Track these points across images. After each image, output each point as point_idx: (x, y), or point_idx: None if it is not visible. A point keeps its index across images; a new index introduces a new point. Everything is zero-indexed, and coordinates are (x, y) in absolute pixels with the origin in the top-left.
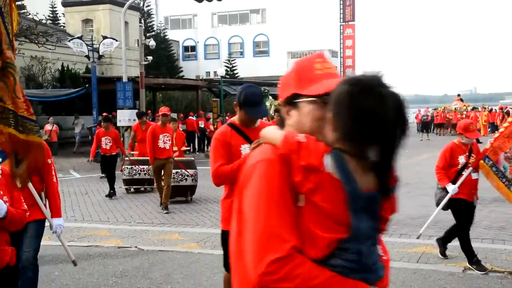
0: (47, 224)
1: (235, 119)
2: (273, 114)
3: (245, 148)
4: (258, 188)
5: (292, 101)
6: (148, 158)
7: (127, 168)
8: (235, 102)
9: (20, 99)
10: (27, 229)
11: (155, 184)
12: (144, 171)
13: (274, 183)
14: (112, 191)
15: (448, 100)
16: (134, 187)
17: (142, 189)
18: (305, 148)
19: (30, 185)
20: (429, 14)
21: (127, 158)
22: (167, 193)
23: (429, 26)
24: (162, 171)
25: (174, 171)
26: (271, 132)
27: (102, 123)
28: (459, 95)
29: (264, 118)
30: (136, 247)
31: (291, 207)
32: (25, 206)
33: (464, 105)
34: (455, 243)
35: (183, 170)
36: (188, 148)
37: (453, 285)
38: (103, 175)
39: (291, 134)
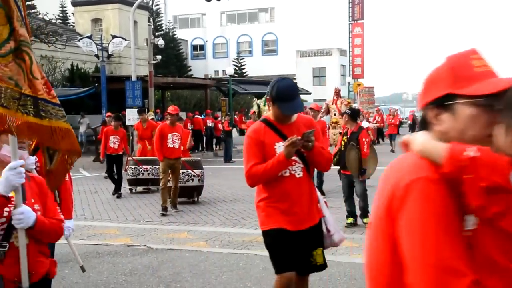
0: None
1: (269, 114)
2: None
3: (279, 146)
4: (422, 213)
5: (444, 103)
6: (152, 157)
7: (130, 168)
8: (267, 97)
9: (39, 80)
10: None
11: (160, 184)
12: (147, 171)
13: (440, 207)
14: (120, 192)
15: None
16: (138, 187)
17: (143, 189)
18: (483, 164)
19: None
20: (438, 12)
21: (130, 158)
22: (175, 193)
23: (439, 23)
24: (170, 171)
25: (180, 171)
26: (430, 145)
27: (113, 122)
28: None
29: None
30: (145, 245)
31: (461, 235)
32: (61, 215)
33: None
34: None
35: (189, 170)
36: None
37: None
38: (107, 174)
39: (458, 148)
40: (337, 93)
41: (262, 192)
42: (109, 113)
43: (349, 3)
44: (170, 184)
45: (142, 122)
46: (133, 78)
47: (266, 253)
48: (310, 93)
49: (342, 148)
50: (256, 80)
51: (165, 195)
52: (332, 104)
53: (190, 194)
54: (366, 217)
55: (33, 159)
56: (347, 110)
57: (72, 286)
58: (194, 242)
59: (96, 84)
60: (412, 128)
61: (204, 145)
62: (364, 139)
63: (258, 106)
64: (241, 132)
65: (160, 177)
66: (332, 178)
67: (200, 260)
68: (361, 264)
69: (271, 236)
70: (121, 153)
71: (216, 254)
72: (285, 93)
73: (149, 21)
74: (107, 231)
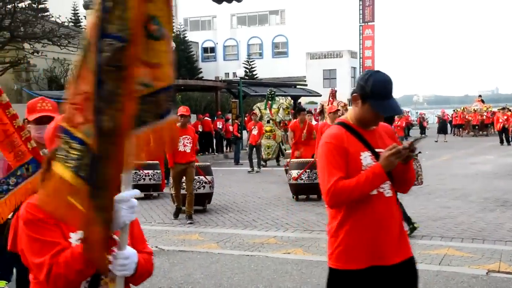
0: None
1: (347, 117)
2: (286, 118)
3: (365, 157)
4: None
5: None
6: (153, 162)
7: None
8: (354, 94)
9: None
10: None
11: (172, 191)
12: (149, 176)
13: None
14: None
15: (469, 101)
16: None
17: (144, 195)
18: None
19: None
20: (449, 14)
21: None
22: (190, 201)
23: (450, 25)
24: (183, 177)
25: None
26: None
27: None
28: (480, 96)
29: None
30: (156, 247)
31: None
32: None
33: (485, 106)
34: (478, 245)
35: (201, 177)
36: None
37: None
38: None
39: None
40: (333, 94)
41: (342, 216)
42: None
43: (359, 5)
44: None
45: None
46: None
47: (277, 255)
48: (320, 95)
49: None
50: (267, 82)
51: (179, 198)
52: (328, 105)
53: (201, 202)
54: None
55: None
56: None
57: None
58: (205, 244)
59: None
60: (422, 130)
61: (214, 147)
62: None
63: (259, 110)
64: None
65: (171, 186)
66: None
67: (211, 262)
68: None
69: (354, 278)
70: None
71: (228, 256)
72: (384, 88)
73: None
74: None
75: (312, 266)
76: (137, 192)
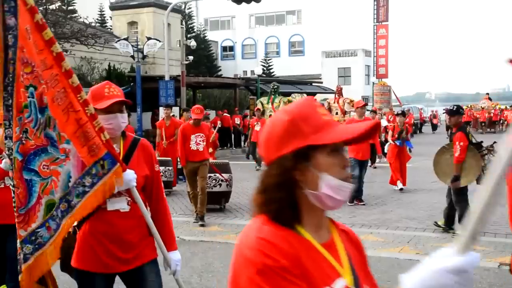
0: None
1: None
2: None
3: None
4: None
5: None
6: (164, 158)
7: None
8: None
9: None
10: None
11: (189, 190)
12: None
13: None
14: None
15: (480, 99)
16: None
17: None
18: None
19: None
20: (461, 13)
21: None
22: (203, 200)
23: (461, 24)
24: (196, 174)
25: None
26: None
27: None
28: (487, 93)
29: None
30: (178, 237)
31: None
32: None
33: (493, 104)
34: (490, 239)
35: (217, 175)
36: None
37: (489, 280)
38: None
39: None
40: (339, 92)
41: None
42: None
43: (374, 5)
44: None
45: (166, 120)
46: (166, 78)
47: None
48: (335, 92)
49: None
50: (283, 80)
51: (196, 197)
52: (334, 102)
53: (217, 201)
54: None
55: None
56: (453, 107)
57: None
58: (224, 235)
59: (132, 84)
60: (434, 127)
61: (233, 142)
62: (457, 143)
63: (262, 105)
64: None
65: (188, 187)
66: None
67: (230, 252)
68: (387, 258)
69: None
70: None
71: None
72: None
73: (181, 24)
74: None
75: None
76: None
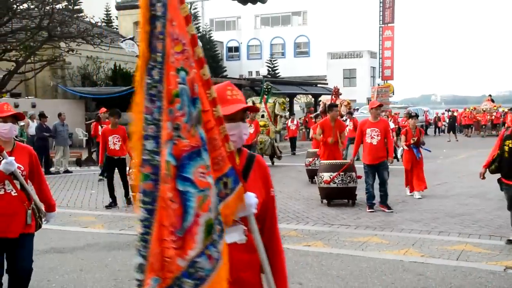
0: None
1: None
2: (282, 114)
3: None
4: None
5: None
6: None
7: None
8: None
9: None
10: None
11: None
12: None
13: None
14: (129, 197)
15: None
16: None
17: None
18: None
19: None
20: (467, 15)
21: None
22: None
23: (467, 26)
24: None
25: None
26: None
27: (110, 118)
28: (490, 95)
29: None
30: None
31: None
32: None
33: (494, 106)
34: (496, 242)
35: None
36: None
37: (494, 284)
38: (101, 177)
39: None
40: (336, 93)
41: None
42: (103, 109)
43: (380, 6)
44: None
45: None
46: None
47: (298, 247)
48: (340, 94)
49: (507, 154)
50: (289, 81)
51: None
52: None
53: None
54: None
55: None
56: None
57: (114, 273)
58: None
59: None
60: (438, 129)
61: None
62: None
63: (253, 104)
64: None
65: None
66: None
67: None
68: (392, 260)
69: None
70: (124, 156)
71: None
72: None
73: None
74: None
75: (332, 259)
76: None
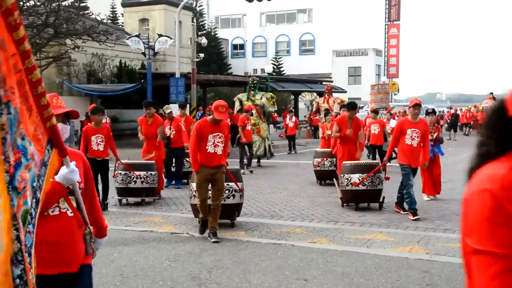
0: None
1: None
2: (271, 109)
3: None
4: None
5: None
6: (147, 162)
7: (120, 174)
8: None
9: None
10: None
11: (196, 201)
12: (140, 178)
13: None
14: (106, 202)
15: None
16: (130, 198)
17: (139, 200)
18: None
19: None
20: (473, 13)
21: (119, 162)
22: (216, 215)
23: (473, 24)
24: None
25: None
26: None
27: (93, 116)
28: (492, 93)
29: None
30: (187, 233)
31: None
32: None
33: None
34: None
35: (232, 184)
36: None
37: None
38: None
39: None
40: (329, 91)
41: None
42: (94, 105)
43: (385, 4)
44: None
45: (148, 118)
46: (177, 75)
47: (303, 244)
48: (345, 92)
49: None
50: (294, 79)
51: (205, 208)
52: (323, 102)
53: (229, 215)
54: None
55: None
56: None
57: (120, 269)
58: (234, 232)
59: (142, 80)
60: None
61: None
62: None
63: (240, 102)
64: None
65: (196, 194)
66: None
67: (240, 249)
68: (397, 257)
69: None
70: (107, 158)
71: (255, 243)
72: None
73: (192, 21)
74: (152, 219)
75: (337, 255)
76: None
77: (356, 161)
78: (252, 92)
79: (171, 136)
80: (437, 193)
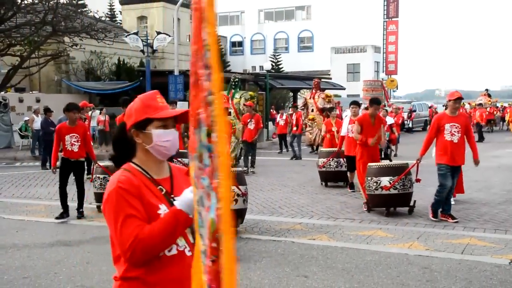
0: None
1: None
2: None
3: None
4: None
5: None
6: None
7: (98, 178)
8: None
9: None
10: None
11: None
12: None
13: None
14: (81, 210)
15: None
16: None
17: None
18: None
19: None
20: (472, 10)
21: (97, 165)
22: None
23: (472, 20)
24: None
25: None
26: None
27: (67, 113)
28: (487, 90)
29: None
30: None
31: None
32: None
33: (489, 101)
34: (501, 236)
35: (234, 188)
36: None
37: (500, 277)
38: (88, 176)
39: None
40: (316, 85)
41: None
42: (85, 102)
43: (384, 1)
44: None
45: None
46: (176, 73)
47: (303, 240)
48: (344, 89)
49: None
50: (292, 76)
51: None
52: (310, 98)
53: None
54: None
55: None
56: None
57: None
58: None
59: (141, 78)
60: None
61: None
62: None
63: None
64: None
65: None
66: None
67: (239, 246)
68: (396, 253)
69: None
70: (82, 159)
71: (255, 240)
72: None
73: (191, 19)
74: None
75: (337, 252)
76: None
77: (382, 163)
78: (232, 91)
79: None
80: (460, 192)
